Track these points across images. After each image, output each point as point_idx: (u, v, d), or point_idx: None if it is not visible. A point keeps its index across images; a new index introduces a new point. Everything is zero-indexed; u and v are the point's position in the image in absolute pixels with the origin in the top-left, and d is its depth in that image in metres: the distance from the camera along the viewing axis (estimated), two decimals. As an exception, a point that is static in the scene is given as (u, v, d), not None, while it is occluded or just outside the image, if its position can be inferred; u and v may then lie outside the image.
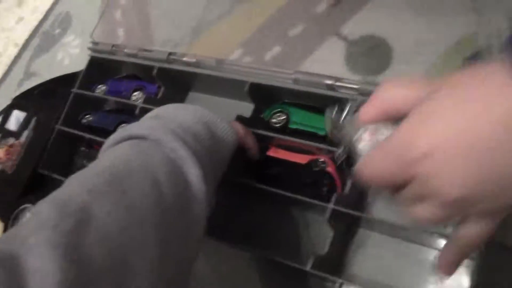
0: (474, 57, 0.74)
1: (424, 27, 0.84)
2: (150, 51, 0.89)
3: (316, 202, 0.65)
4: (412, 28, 0.85)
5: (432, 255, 0.66)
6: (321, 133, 0.72)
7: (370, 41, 0.88)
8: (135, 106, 0.82)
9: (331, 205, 0.64)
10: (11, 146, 0.95)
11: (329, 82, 0.70)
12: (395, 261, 0.68)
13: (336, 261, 0.68)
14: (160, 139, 0.55)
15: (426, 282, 0.66)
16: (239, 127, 0.67)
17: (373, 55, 0.86)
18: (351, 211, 0.64)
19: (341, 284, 0.63)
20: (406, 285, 0.66)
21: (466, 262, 0.58)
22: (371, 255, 0.69)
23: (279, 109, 0.76)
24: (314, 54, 0.91)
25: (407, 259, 0.68)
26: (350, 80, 0.72)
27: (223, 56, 0.96)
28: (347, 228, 0.70)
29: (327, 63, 0.90)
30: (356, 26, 0.90)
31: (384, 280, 0.68)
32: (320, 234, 0.67)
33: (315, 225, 0.70)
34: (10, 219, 0.87)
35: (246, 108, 0.80)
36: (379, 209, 0.71)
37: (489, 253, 0.65)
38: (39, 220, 0.43)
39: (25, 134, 0.95)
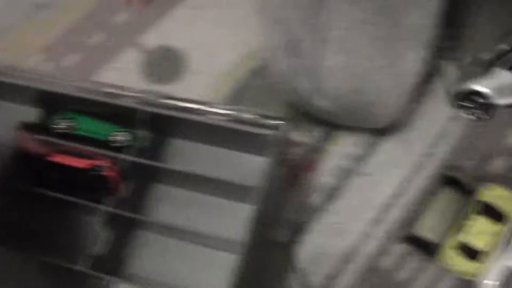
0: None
1: (216, 39, 0.91)
2: None
3: (92, 204, 0.68)
4: (206, 40, 0.91)
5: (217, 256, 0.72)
6: (103, 138, 0.74)
7: (166, 52, 0.92)
8: None
9: (106, 208, 0.68)
10: None
11: (112, 91, 0.73)
12: (177, 262, 0.75)
13: (113, 262, 0.71)
14: None
15: (207, 283, 0.72)
16: (21, 133, 0.67)
17: (167, 65, 0.91)
18: (127, 214, 0.67)
19: (116, 283, 0.65)
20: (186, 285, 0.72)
21: (234, 257, 0.65)
22: (152, 255, 0.75)
23: (66, 116, 0.78)
24: (111, 63, 0.94)
25: (188, 259, 0.75)
26: (134, 89, 0.75)
27: (20, 61, 0.96)
28: (127, 229, 0.73)
29: (123, 72, 0.93)
30: (153, 37, 0.95)
31: (164, 280, 0.74)
32: (97, 236, 0.69)
33: (91, 227, 0.72)
34: None
35: (33, 114, 0.80)
36: (161, 211, 0.76)
37: (259, 248, 0.71)
38: None
39: None
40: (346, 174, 0.83)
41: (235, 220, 0.67)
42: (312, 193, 0.82)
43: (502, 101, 0.80)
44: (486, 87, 0.80)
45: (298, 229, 0.80)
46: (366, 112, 0.75)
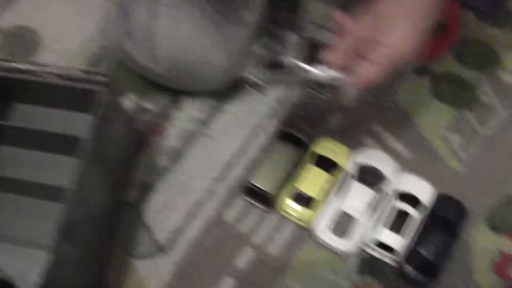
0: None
1: (69, 19, 0.94)
2: None
3: None
4: (59, 20, 0.94)
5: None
6: None
7: (22, 31, 0.94)
8: None
9: None
10: None
11: None
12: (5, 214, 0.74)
13: None
14: None
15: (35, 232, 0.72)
16: None
17: (22, 43, 0.93)
18: None
19: None
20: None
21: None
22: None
23: None
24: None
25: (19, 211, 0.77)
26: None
27: None
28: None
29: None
30: (10, 17, 0.96)
31: None
32: None
33: None
34: None
35: None
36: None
37: (110, 207, 0.76)
38: None
39: None
40: (191, 137, 0.86)
41: (63, 171, 0.69)
42: (159, 155, 0.85)
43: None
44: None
45: (146, 189, 0.83)
46: (197, 74, 0.80)
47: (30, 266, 0.61)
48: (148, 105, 0.88)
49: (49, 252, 0.60)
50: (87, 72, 0.68)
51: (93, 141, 0.67)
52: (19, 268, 0.62)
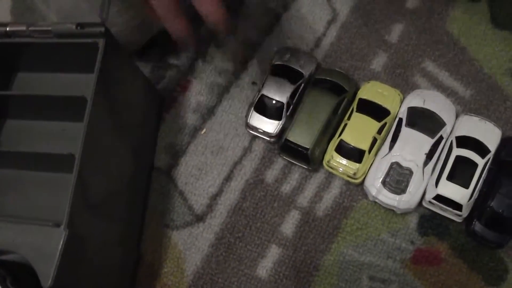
0: None
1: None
2: None
3: None
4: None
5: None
6: None
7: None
8: None
9: None
10: None
11: None
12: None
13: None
14: None
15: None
16: None
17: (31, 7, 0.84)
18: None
19: None
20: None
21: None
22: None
23: None
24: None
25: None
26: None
27: None
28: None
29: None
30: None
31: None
32: None
33: None
34: None
35: None
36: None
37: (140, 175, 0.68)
38: None
39: None
40: (222, 90, 0.77)
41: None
42: (189, 114, 0.77)
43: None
44: None
45: (177, 153, 0.75)
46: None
47: (47, 244, 0.54)
48: (172, 60, 0.78)
49: (64, 230, 0.55)
50: (82, 25, 0.59)
51: (100, 100, 0.60)
52: (36, 248, 0.55)
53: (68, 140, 0.64)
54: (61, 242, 0.54)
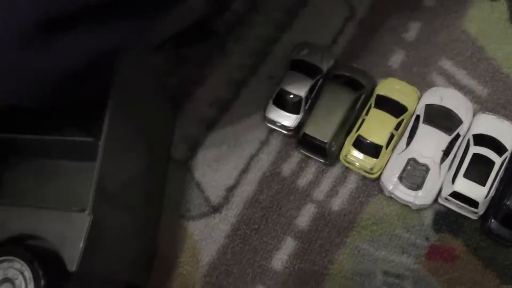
0: None
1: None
2: None
3: None
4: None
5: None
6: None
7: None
8: None
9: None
10: None
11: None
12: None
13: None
14: None
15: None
16: None
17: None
18: None
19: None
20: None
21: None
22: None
23: None
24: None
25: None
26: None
27: None
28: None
29: None
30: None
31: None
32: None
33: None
34: None
35: None
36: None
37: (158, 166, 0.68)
38: None
39: None
40: (240, 85, 0.78)
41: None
42: (206, 107, 0.77)
43: None
44: None
45: (194, 144, 0.75)
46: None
47: (72, 229, 0.55)
48: (190, 53, 0.78)
49: (89, 215, 0.55)
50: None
51: (119, 92, 0.60)
52: (61, 233, 0.56)
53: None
54: (86, 227, 0.54)
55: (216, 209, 0.73)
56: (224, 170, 0.74)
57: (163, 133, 0.75)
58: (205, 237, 0.72)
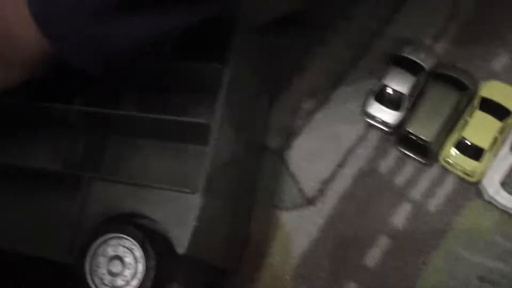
0: None
1: None
2: None
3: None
4: None
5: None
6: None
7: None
8: None
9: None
10: None
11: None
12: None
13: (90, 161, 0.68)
14: None
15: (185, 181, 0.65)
16: None
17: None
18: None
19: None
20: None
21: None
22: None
23: None
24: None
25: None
26: None
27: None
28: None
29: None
30: None
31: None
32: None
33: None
34: None
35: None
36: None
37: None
38: None
39: None
40: (338, 78, 0.77)
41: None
42: (304, 98, 0.76)
43: None
44: None
45: (290, 135, 0.75)
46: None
47: (182, 211, 0.54)
48: (284, 39, 0.77)
49: (200, 197, 0.55)
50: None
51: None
52: (169, 214, 0.56)
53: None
54: (198, 210, 0.53)
55: (310, 201, 0.72)
56: (320, 162, 0.73)
57: (260, 121, 0.74)
58: (298, 229, 0.71)
